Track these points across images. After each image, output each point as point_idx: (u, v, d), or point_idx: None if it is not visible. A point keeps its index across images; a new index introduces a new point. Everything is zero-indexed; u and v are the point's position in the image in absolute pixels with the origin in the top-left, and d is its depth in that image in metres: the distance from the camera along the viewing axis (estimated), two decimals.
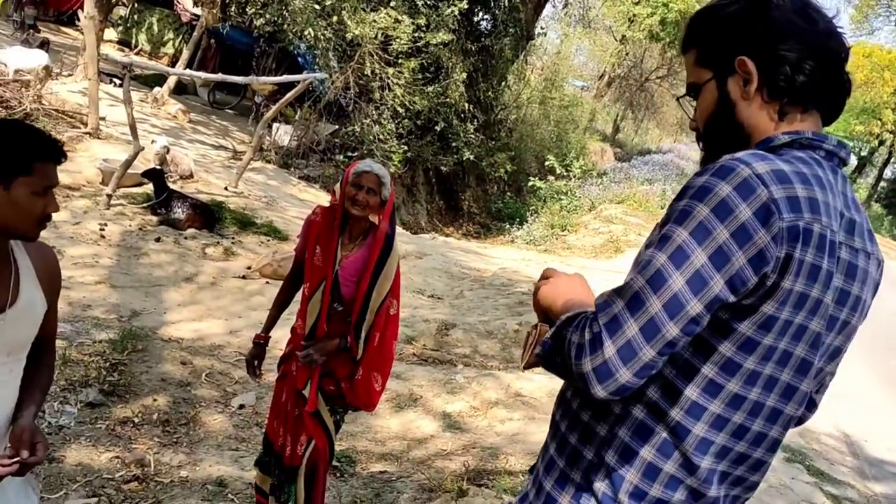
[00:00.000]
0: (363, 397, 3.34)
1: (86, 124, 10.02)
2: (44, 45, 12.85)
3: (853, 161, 43.30)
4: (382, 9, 12.93)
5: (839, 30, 1.42)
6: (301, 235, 3.38)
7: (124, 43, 19.52)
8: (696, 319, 1.27)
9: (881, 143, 37.38)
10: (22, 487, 1.99)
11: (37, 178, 1.79)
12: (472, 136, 16.44)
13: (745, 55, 1.40)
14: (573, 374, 1.34)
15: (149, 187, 8.50)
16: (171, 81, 14.72)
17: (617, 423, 1.44)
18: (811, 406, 1.63)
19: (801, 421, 1.63)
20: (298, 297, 3.41)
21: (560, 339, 1.39)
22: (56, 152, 1.84)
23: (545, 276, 1.63)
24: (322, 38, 12.49)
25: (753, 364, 1.34)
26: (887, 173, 41.75)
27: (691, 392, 1.36)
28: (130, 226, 7.87)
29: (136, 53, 18.45)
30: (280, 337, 6.02)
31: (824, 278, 1.30)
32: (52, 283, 2.04)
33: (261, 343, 3.49)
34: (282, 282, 6.94)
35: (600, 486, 1.45)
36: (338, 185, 3.25)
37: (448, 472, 4.49)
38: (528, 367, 1.63)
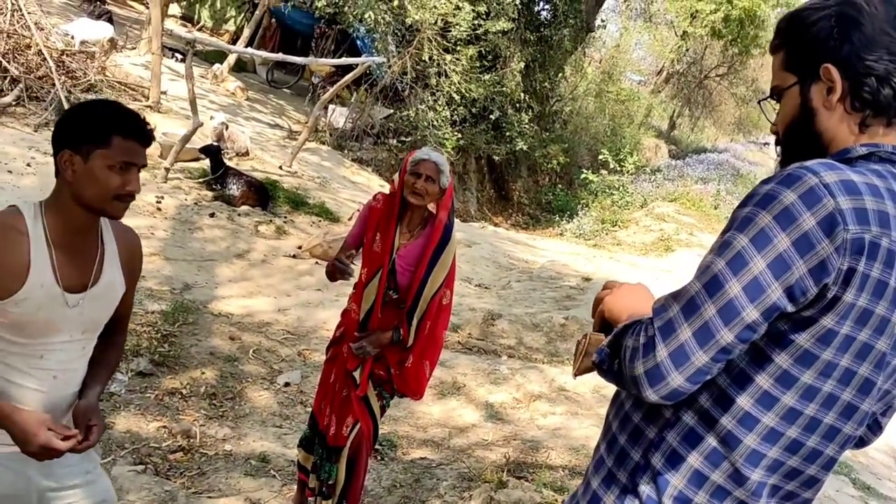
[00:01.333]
0: (412, 384, 3.36)
1: (147, 98, 10.20)
2: (108, 17, 13.04)
3: None
4: None
5: None
6: (359, 221, 3.37)
7: (187, 18, 19.79)
8: (751, 326, 1.25)
9: None
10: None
11: (113, 152, 1.80)
12: (527, 126, 16.32)
13: (831, 63, 1.35)
14: (626, 379, 1.34)
15: (205, 163, 8.62)
16: (232, 59, 14.88)
17: (666, 426, 1.43)
18: (876, 428, 1.57)
19: (862, 442, 1.59)
20: (352, 281, 3.41)
21: (617, 346, 1.38)
22: (137, 129, 1.85)
23: (607, 287, 1.61)
24: (382, 21, 12.50)
25: (811, 378, 1.30)
26: None
27: (745, 402, 1.34)
28: (186, 200, 7.99)
29: (199, 29, 18.69)
30: (328, 317, 6.08)
31: (891, 295, 1.26)
32: (132, 267, 2.09)
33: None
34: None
35: (645, 488, 1.44)
36: (397, 173, 3.25)
37: (488, 463, 4.49)
38: (578, 374, 1.64)
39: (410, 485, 4.22)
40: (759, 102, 1.60)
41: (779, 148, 1.52)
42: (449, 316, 3.44)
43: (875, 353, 1.30)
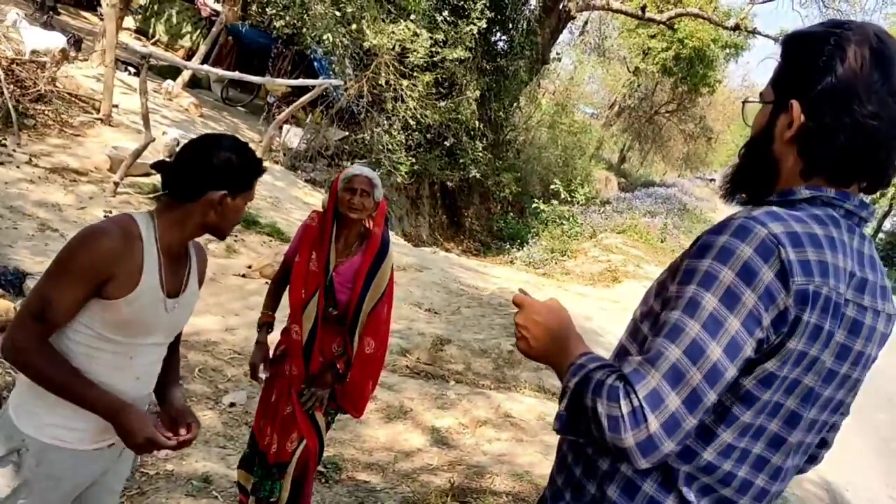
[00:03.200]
0: (355, 400, 3.37)
1: (98, 110, 10.06)
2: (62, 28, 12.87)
3: None
4: (402, 21, 13.00)
5: None
6: (295, 239, 3.39)
7: (142, 32, 19.59)
8: (729, 381, 1.28)
9: (882, 194, 37.54)
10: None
11: (251, 193, 2.12)
12: (480, 153, 16.50)
13: (799, 101, 1.38)
14: (607, 444, 1.31)
15: (155, 178, 8.51)
16: (186, 75, 14.78)
17: (619, 458, 1.42)
18: (822, 445, 1.65)
19: (813, 459, 1.66)
20: (285, 300, 3.42)
21: (579, 400, 1.37)
22: (262, 170, 2.16)
23: (517, 304, 1.56)
24: (340, 44, 12.58)
25: (750, 418, 1.35)
26: (886, 226, 41.84)
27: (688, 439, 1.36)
28: None
29: (153, 44, 18.51)
30: (277, 338, 6.03)
31: (825, 338, 1.31)
32: (202, 279, 2.30)
33: (263, 345, 3.43)
34: None
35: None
36: (326, 195, 3.27)
37: (433, 488, 4.49)
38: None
39: None
40: (743, 103, 1.61)
41: (737, 157, 1.54)
42: (388, 331, 3.43)
43: (802, 387, 1.36)
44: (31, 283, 5.62)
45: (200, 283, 2.29)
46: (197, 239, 2.21)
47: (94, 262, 1.87)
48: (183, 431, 2.06)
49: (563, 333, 1.49)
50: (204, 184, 2.01)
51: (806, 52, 1.39)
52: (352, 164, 14.19)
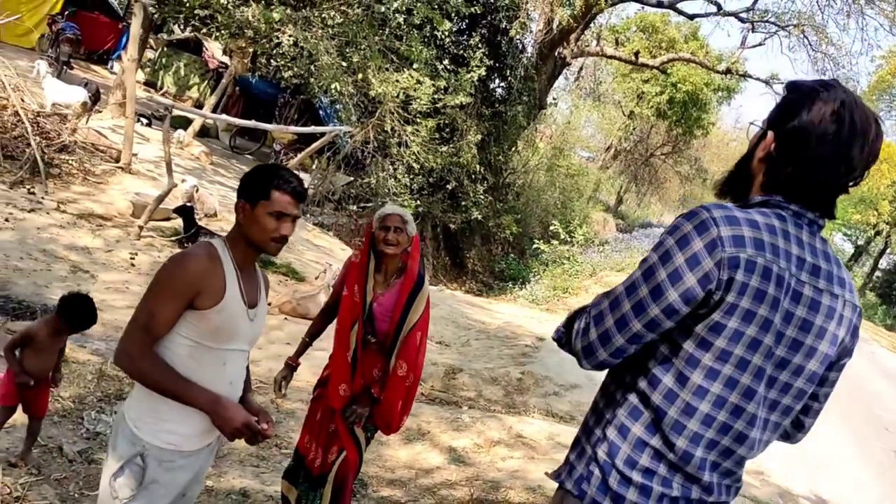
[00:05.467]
0: (386, 418, 3.65)
1: (116, 159, 10.51)
2: (87, 85, 13.38)
3: (849, 248, 43.70)
4: (406, 70, 13.55)
5: (869, 136, 1.73)
6: (340, 274, 3.79)
7: (150, 84, 20.18)
8: (655, 320, 1.72)
9: (878, 233, 37.98)
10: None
11: (272, 203, 2.32)
12: (482, 196, 16.98)
13: (775, 132, 1.80)
14: (572, 351, 1.87)
15: (176, 222, 8.95)
16: (196, 124, 15.29)
17: (618, 406, 1.85)
18: (800, 426, 1.99)
19: (788, 436, 2.01)
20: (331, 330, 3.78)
21: (570, 327, 1.90)
22: (288, 185, 2.36)
23: None
24: (346, 93, 13.09)
25: (711, 362, 1.72)
26: (883, 263, 42.21)
27: (668, 381, 1.76)
28: (159, 257, 8.28)
29: (162, 95, 19.10)
30: (298, 369, 6.38)
31: (771, 301, 1.69)
32: (267, 295, 2.64)
33: (292, 366, 3.86)
34: (300, 318, 7.38)
35: (602, 455, 1.84)
36: (360, 237, 3.66)
37: (453, 499, 4.81)
38: None
39: None
40: (750, 124, 2.00)
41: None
42: (422, 357, 3.73)
43: (764, 347, 1.72)
44: None
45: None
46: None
47: (186, 279, 2.24)
48: (265, 426, 2.37)
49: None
50: (238, 196, 2.38)
51: (790, 97, 1.80)
52: (358, 207, 14.65)
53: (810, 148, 1.73)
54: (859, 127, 1.72)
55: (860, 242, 42.88)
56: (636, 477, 1.78)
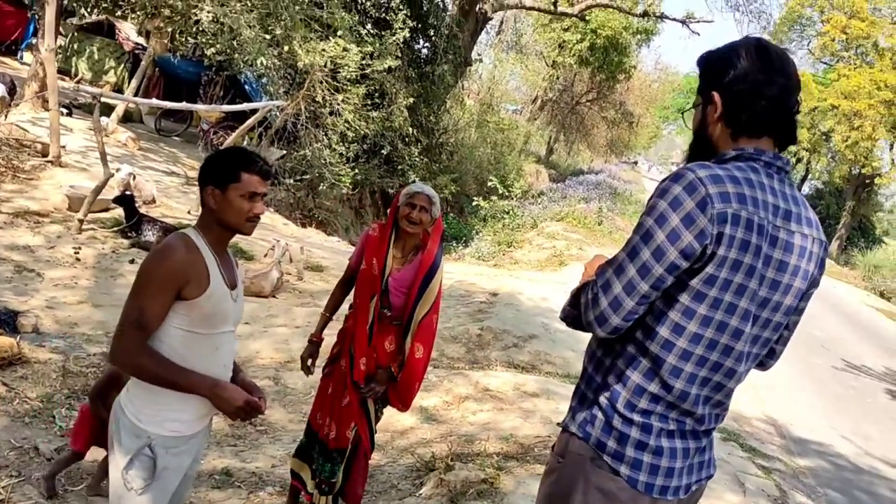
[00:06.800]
0: (403, 396, 3.74)
1: (44, 154, 10.21)
2: (1, 78, 12.91)
3: None
4: (331, 38, 13.40)
5: (790, 67, 1.94)
6: (357, 248, 3.80)
7: (64, 72, 19.46)
8: (660, 279, 1.85)
9: (798, 160, 39.28)
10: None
11: (242, 185, 2.39)
12: (417, 158, 17.01)
13: (717, 91, 1.97)
14: (584, 323, 1.95)
15: (117, 212, 8.78)
16: (119, 110, 14.89)
17: (617, 356, 2.00)
18: (771, 354, 2.16)
19: (762, 365, 2.18)
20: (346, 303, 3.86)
21: (576, 302, 2.01)
22: (255, 166, 2.43)
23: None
24: (272, 66, 12.89)
25: (705, 311, 1.88)
26: (805, 189, 43.74)
27: (664, 332, 1.91)
28: (104, 249, 8.15)
29: (77, 82, 18.47)
30: (260, 348, 6.41)
31: (754, 249, 1.85)
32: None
33: (316, 342, 3.88)
34: (254, 297, 7.37)
35: (604, 400, 2.00)
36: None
37: (434, 457, 4.95)
38: None
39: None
40: (681, 114, 2.21)
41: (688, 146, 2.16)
42: (434, 338, 3.80)
43: (750, 291, 1.89)
44: (23, 321, 5.89)
45: None
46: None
47: (171, 272, 2.29)
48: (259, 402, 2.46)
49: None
50: (202, 183, 2.44)
51: (715, 61, 1.99)
52: (294, 180, 14.52)
53: (756, 86, 1.91)
54: (782, 55, 1.95)
55: None
56: (637, 417, 1.95)
